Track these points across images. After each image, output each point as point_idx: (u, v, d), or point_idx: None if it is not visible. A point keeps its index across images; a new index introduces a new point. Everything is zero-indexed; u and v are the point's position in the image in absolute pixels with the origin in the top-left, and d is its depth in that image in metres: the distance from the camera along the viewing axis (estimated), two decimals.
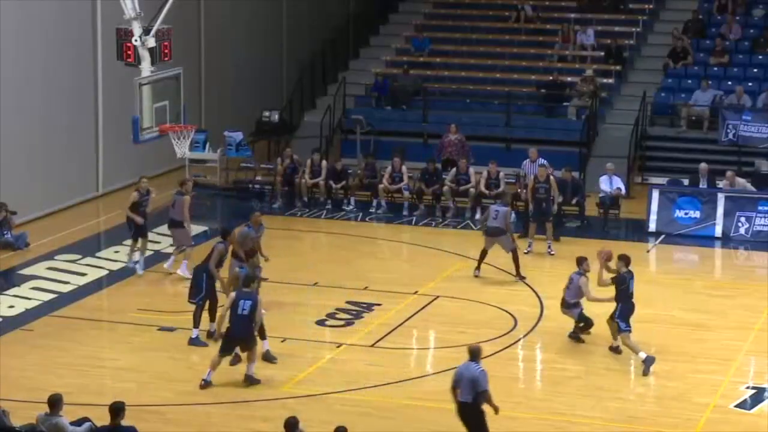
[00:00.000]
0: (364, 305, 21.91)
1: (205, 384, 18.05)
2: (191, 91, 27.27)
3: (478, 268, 23.67)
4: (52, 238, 25.77)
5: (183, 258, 23.25)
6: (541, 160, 26.85)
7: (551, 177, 25.69)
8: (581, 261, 20.11)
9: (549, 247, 25.25)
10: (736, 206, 26.59)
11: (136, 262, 23.64)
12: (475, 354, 15.55)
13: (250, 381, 18.16)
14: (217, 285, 20.09)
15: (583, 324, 20.12)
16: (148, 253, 24.04)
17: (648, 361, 18.86)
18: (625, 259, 19.43)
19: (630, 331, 19.04)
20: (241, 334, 18.03)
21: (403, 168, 28.54)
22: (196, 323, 19.92)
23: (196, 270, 20.38)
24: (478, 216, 27.58)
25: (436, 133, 31.20)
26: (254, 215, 21.78)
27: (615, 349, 19.57)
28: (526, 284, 23.14)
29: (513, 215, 24.84)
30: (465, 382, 15.32)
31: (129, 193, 29.43)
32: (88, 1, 28.35)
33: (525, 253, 24.90)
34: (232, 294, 18.32)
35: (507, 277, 23.52)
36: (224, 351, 18.15)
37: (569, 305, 20.06)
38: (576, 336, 20.19)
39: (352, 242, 26.31)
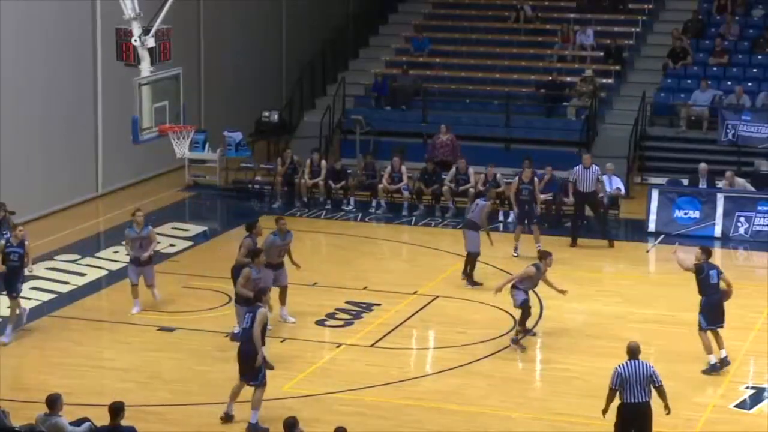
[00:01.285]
0: (364, 305, 21.91)
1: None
2: (191, 91, 27.25)
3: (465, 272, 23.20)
4: (51, 238, 25.76)
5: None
6: (595, 168, 26.27)
7: (536, 179, 25.60)
8: (544, 256, 20.19)
9: (539, 248, 25.07)
10: (736, 206, 26.59)
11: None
12: (637, 351, 15.16)
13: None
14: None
15: (522, 314, 19.85)
16: (21, 311, 20.46)
17: (714, 368, 18.82)
18: (706, 252, 19.25)
19: (708, 329, 18.79)
20: (242, 350, 16.82)
21: (403, 168, 28.54)
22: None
23: (233, 270, 20.30)
24: None
25: (436, 133, 31.16)
26: (279, 223, 21.03)
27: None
28: None
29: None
30: (638, 381, 14.92)
31: (129, 194, 29.68)
32: (87, 1, 28.35)
33: (514, 256, 24.91)
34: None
35: (506, 276, 23.46)
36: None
37: (516, 288, 19.96)
38: (519, 337, 19.89)
39: (351, 242, 26.31)
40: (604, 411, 15.27)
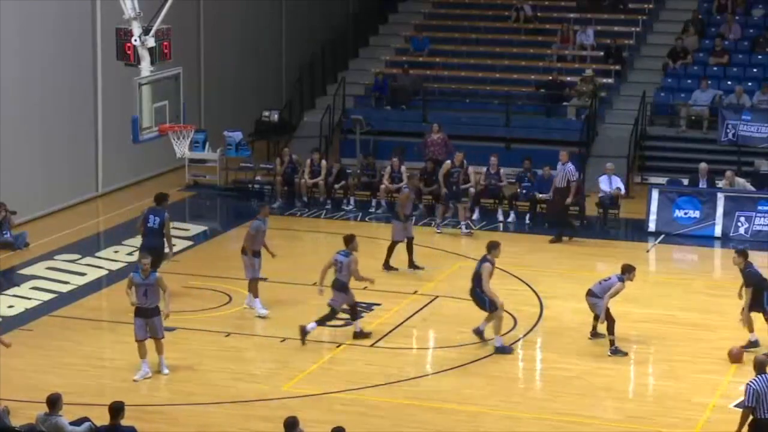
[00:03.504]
0: (364, 305, 21.88)
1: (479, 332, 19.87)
2: (191, 90, 27.23)
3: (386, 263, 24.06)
4: (51, 237, 25.79)
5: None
6: (570, 166, 26.49)
7: (465, 162, 27.12)
8: (629, 270, 19.69)
9: (463, 227, 26.49)
10: (736, 206, 26.59)
11: None
12: (765, 365, 14.84)
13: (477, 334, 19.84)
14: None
15: (605, 321, 19.64)
16: None
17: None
18: (742, 254, 19.68)
19: None
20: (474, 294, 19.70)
21: (402, 168, 28.51)
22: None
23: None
24: (476, 215, 27.63)
25: (427, 132, 30.96)
26: (264, 208, 22.07)
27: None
28: (525, 283, 23.10)
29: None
30: None
31: (129, 194, 29.69)
32: (87, 1, 28.35)
33: (437, 232, 26.53)
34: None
35: (506, 276, 23.48)
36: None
37: (593, 295, 19.71)
38: (594, 334, 20.00)
39: None
40: None
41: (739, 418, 14.73)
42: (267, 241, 21.63)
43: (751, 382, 14.69)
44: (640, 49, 35.15)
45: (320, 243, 26.97)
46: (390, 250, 23.98)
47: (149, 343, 18.64)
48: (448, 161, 27.28)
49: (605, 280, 19.74)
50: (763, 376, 14.75)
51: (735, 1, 35.16)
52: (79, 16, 28.21)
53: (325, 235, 27.21)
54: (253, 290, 21.46)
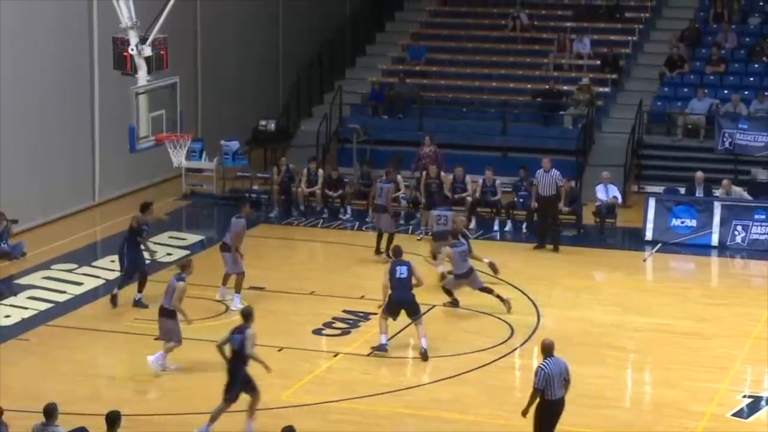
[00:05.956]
0: (361, 314, 21.90)
1: (381, 348, 19.83)
2: (187, 99, 27.27)
3: (378, 250, 25.22)
4: (48, 247, 25.76)
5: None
6: (555, 172, 26.54)
7: (441, 174, 27.73)
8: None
9: (422, 232, 27.14)
10: (733, 215, 26.60)
11: None
12: (553, 348, 15.35)
13: (422, 355, 19.71)
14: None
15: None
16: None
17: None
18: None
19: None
20: (403, 297, 19.79)
21: (399, 177, 28.48)
22: None
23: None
24: (473, 225, 27.62)
25: (420, 143, 30.88)
26: (245, 207, 22.98)
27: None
28: (522, 292, 23.08)
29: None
30: (559, 377, 15.16)
31: (126, 203, 29.65)
32: (84, 10, 28.35)
33: (417, 240, 26.57)
34: (388, 265, 20.34)
35: (503, 285, 23.46)
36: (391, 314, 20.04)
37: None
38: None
39: (348, 251, 26.29)
40: (525, 412, 15.39)
41: (528, 398, 15.34)
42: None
43: (542, 365, 15.22)
44: (637, 58, 35.18)
45: (317, 252, 26.97)
46: (387, 239, 25.02)
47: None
48: (424, 172, 27.93)
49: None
50: (551, 359, 15.28)
51: (731, 10, 35.21)
52: (76, 25, 28.19)
53: (322, 243, 27.22)
54: (238, 285, 22.10)
